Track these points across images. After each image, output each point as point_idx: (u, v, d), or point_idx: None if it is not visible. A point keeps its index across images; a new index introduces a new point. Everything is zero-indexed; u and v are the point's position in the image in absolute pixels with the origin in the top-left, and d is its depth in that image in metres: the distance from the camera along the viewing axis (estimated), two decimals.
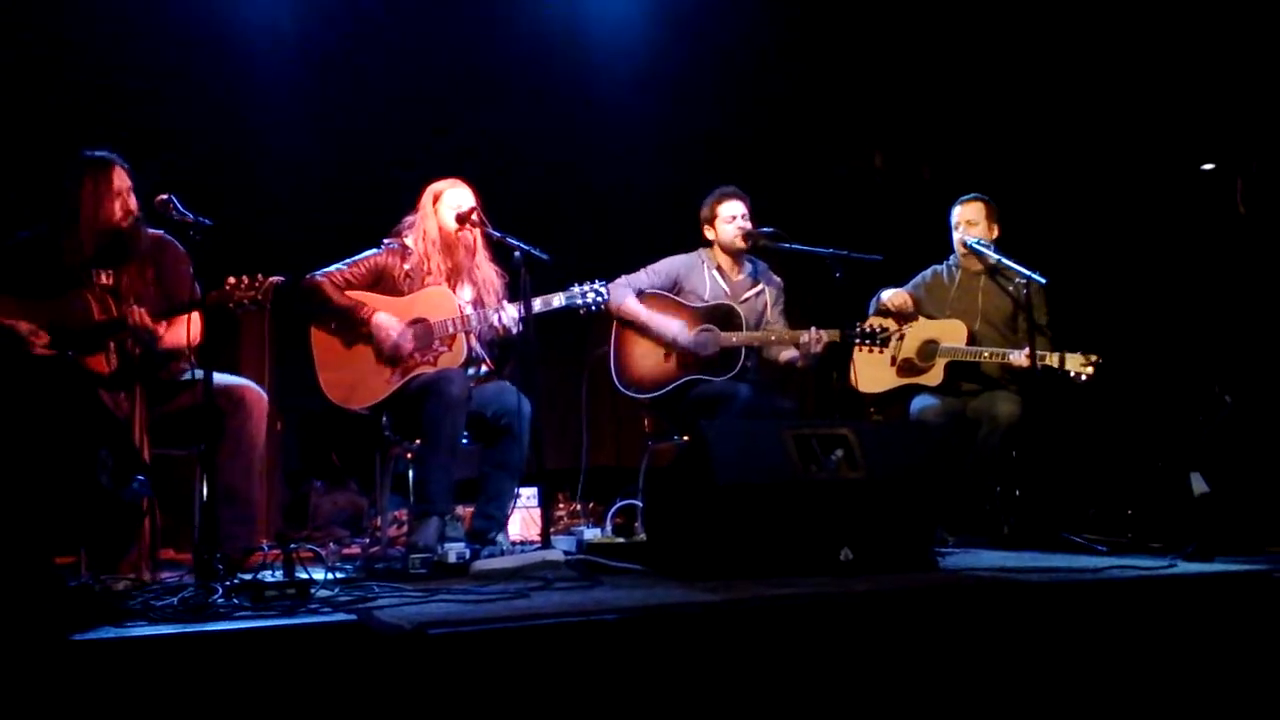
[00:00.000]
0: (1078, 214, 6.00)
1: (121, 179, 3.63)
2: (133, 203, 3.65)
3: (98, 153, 3.65)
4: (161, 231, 3.75)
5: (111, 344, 3.55)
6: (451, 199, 4.14)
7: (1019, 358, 4.35)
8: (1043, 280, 4.32)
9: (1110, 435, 5.31)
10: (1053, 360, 4.28)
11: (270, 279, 3.57)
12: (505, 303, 4.13)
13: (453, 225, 4.12)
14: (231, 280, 3.53)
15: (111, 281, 3.62)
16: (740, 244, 4.63)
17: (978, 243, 4.61)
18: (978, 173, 6.04)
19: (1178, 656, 2.77)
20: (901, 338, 4.61)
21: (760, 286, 4.73)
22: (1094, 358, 4.27)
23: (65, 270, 3.57)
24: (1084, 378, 4.27)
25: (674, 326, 4.51)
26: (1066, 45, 5.81)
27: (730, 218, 4.63)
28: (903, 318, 4.70)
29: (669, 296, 4.63)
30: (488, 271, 4.22)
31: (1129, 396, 5.47)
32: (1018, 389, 4.49)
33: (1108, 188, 5.99)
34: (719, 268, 4.69)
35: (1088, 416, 5.14)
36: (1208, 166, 5.93)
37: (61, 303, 3.53)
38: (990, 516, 4.43)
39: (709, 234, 4.71)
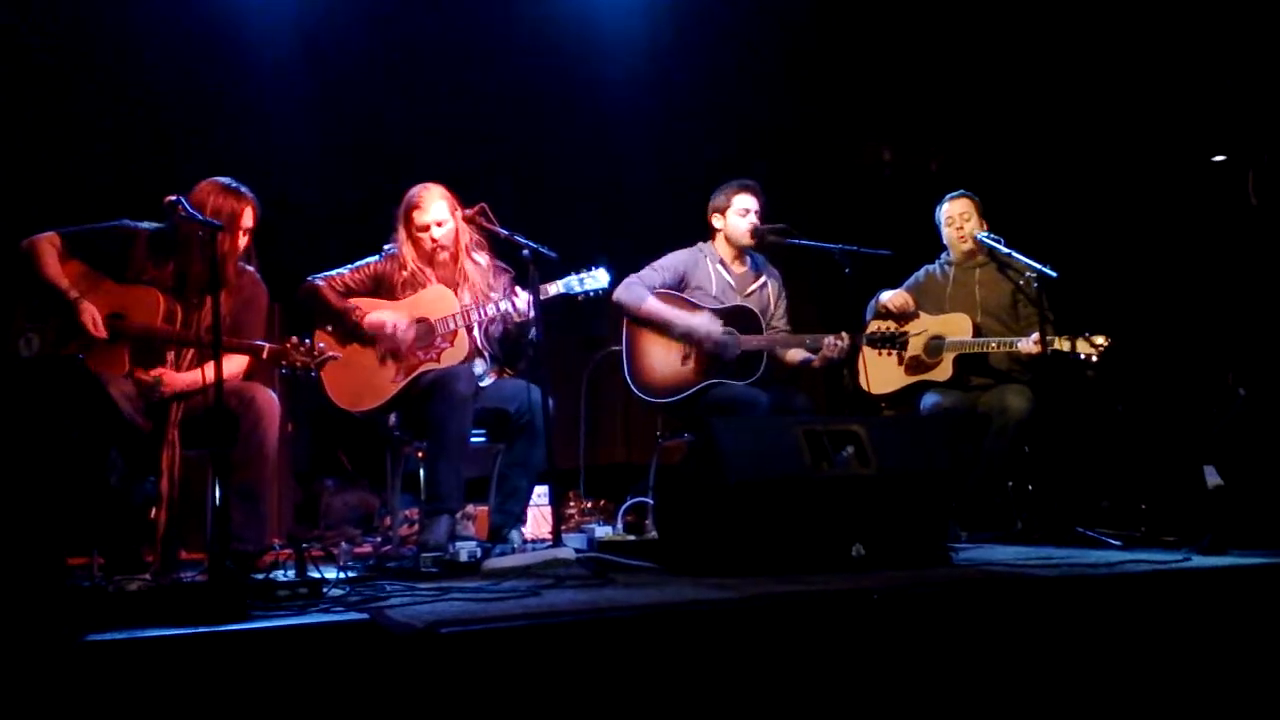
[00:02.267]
0: (1089, 206, 5.97)
1: (249, 218, 3.68)
2: (246, 240, 3.70)
3: (239, 186, 3.69)
4: (255, 271, 3.82)
5: (170, 354, 3.60)
6: (421, 217, 4.09)
7: (1027, 345, 4.33)
8: (1053, 274, 4.30)
9: (1123, 428, 5.29)
10: (1063, 345, 4.25)
11: (328, 353, 3.66)
12: (518, 289, 4.10)
13: (427, 242, 4.09)
14: (293, 340, 3.61)
15: (196, 300, 3.64)
16: (747, 240, 4.60)
17: (988, 236, 4.59)
18: (987, 165, 6.03)
19: (1193, 651, 2.76)
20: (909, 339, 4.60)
21: (763, 279, 4.71)
22: (1102, 339, 4.23)
23: (155, 269, 3.62)
24: (1094, 358, 4.23)
25: (700, 319, 4.45)
26: (1077, 37, 5.78)
27: (743, 211, 4.60)
28: (904, 318, 4.68)
29: (680, 296, 4.58)
30: (482, 270, 4.20)
31: (1142, 389, 5.44)
32: (1029, 381, 4.47)
33: (1119, 180, 5.96)
34: (722, 261, 4.66)
35: (1100, 410, 5.12)
36: (1219, 158, 5.90)
37: (131, 291, 3.58)
38: (1003, 511, 4.41)
39: (716, 222, 4.67)
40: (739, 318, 4.51)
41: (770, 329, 4.60)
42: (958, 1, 5.89)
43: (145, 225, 3.66)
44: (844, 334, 4.37)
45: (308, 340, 3.65)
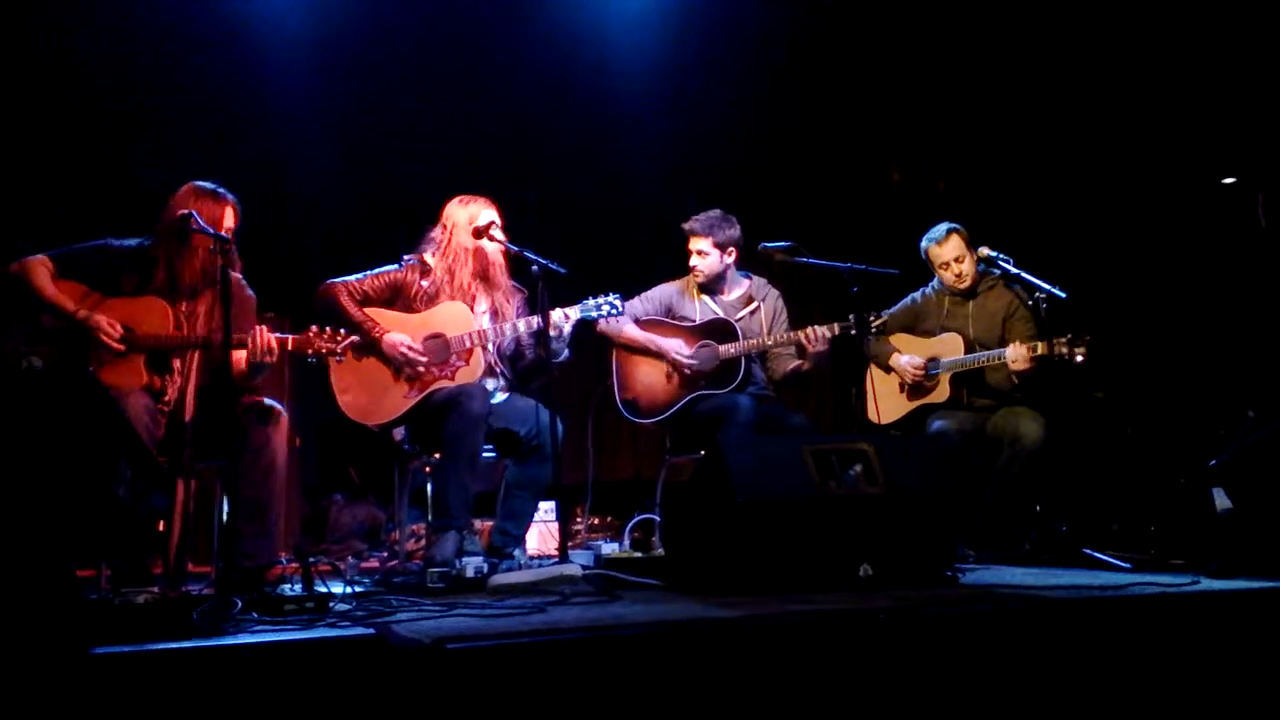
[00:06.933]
0: (1099, 228, 5.97)
1: (231, 219, 3.68)
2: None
3: (218, 188, 3.69)
4: (239, 275, 3.80)
5: (176, 361, 3.59)
6: (485, 218, 4.12)
7: (1010, 352, 4.32)
8: (1062, 294, 4.29)
9: (1132, 451, 5.27)
10: (1057, 349, 4.22)
11: (350, 337, 3.69)
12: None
13: (489, 243, 4.10)
14: (315, 329, 3.63)
15: (188, 307, 3.64)
16: (696, 278, 4.66)
17: (1000, 256, 4.56)
18: (995, 187, 6.03)
19: (1201, 674, 2.74)
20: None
21: (755, 304, 4.71)
22: (1085, 337, 4.21)
23: (151, 282, 3.61)
24: (1079, 358, 4.21)
25: (674, 344, 4.54)
26: (1087, 59, 5.79)
27: (695, 253, 4.64)
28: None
29: (665, 321, 4.66)
30: (505, 284, 4.22)
31: (1151, 411, 5.43)
32: (1035, 400, 4.45)
33: (1129, 202, 5.96)
34: (707, 289, 4.69)
35: (1109, 432, 5.10)
36: (1229, 180, 5.90)
37: (138, 303, 3.57)
38: (1011, 532, 4.40)
39: None
40: (714, 330, 4.56)
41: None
42: (969, 20, 5.90)
43: (129, 242, 3.68)
44: (814, 327, 4.38)
45: (328, 328, 3.68)
